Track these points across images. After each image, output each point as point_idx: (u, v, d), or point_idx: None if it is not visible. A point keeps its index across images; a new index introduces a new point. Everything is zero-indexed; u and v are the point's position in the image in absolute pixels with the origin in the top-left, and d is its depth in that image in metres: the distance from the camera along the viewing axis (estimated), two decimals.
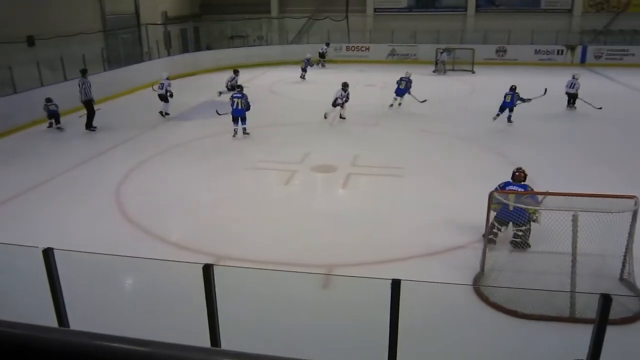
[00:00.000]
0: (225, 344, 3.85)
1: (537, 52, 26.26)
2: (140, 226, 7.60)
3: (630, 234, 5.58)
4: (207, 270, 3.66)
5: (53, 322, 4.05)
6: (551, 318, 5.18)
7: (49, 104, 13.24)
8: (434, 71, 23.78)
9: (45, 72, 14.76)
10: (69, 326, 4.10)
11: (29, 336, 0.99)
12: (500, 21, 26.88)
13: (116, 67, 19.19)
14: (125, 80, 18.49)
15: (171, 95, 14.57)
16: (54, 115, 13.28)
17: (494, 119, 13.73)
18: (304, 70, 22.14)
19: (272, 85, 20.56)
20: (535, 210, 6.21)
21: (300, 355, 1.17)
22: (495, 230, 6.67)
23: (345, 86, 13.74)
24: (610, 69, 23.71)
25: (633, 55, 25.18)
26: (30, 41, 16.01)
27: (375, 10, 29.16)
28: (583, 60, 25.70)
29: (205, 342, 3.77)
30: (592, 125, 13.91)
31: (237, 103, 12.23)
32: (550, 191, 6.12)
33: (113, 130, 13.29)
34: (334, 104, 13.64)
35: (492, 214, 6.33)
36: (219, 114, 13.27)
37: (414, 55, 27.11)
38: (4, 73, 13.35)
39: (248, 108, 12.32)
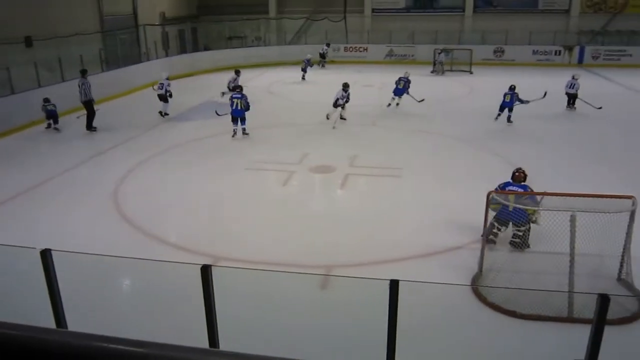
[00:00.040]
0: (224, 345, 3.84)
1: (534, 52, 26.30)
2: (139, 226, 7.59)
3: (628, 234, 5.60)
4: (206, 271, 3.65)
5: (51, 323, 4.05)
6: (549, 318, 5.18)
7: (46, 104, 13.22)
8: (431, 72, 23.80)
9: (43, 72, 14.73)
10: (66, 327, 4.09)
11: (26, 337, 0.99)
12: (497, 22, 26.93)
13: (114, 67, 19.16)
14: (124, 81, 18.47)
15: (170, 96, 14.58)
16: (52, 116, 13.26)
17: (496, 119, 13.81)
18: (304, 70, 22.14)
19: (270, 85, 20.56)
20: (535, 212, 6.22)
21: (299, 356, 1.17)
22: (495, 231, 6.68)
23: (345, 86, 13.73)
24: (608, 70, 23.76)
25: (630, 55, 25.24)
26: (28, 42, 15.99)
27: (373, 10, 29.19)
28: (581, 61, 25.75)
29: (204, 343, 3.77)
30: (592, 125, 13.93)
31: (237, 104, 12.23)
32: (549, 191, 6.13)
33: (112, 131, 13.28)
34: (335, 105, 13.63)
35: (491, 214, 6.34)
36: (218, 115, 13.27)
37: (412, 55, 27.13)
38: (2, 74, 13.32)
39: (247, 108, 12.32)
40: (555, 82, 17.01)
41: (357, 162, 10.55)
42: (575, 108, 15.33)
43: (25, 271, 5.14)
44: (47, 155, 11.34)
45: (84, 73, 13.26)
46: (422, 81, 19.18)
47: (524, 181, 7.01)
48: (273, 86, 20.56)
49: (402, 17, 28.62)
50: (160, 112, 14.64)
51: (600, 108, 14.70)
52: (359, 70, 24.00)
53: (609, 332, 3.40)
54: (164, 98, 14.53)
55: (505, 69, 24.36)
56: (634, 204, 5.51)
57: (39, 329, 1.01)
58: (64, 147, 12.09)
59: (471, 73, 23.54)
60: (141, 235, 7.34)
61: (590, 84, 16.52)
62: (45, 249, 3.95)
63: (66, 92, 14.13)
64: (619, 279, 5.86)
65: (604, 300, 3.33)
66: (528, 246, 6.55)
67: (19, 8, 15.80)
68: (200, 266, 3.67)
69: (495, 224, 6.63)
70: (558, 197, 5.73)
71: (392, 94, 15.81)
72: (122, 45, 21.84)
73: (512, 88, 13.85)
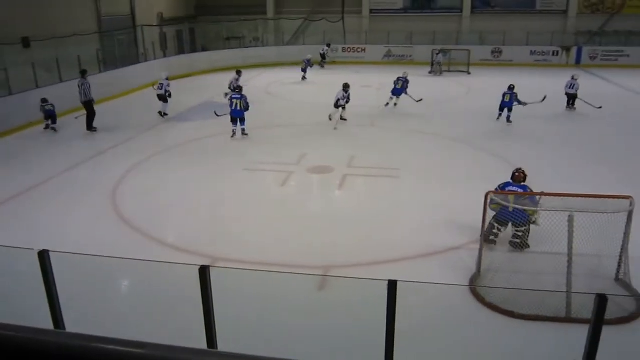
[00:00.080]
0: (222, 346, 3.84)
1: (532, 53, 26.34)
2: (138, 227, 7.58)
3: (626, 234, 5.60)
4: (204, 271, 3.65)
5: (49, 325, 4.04)
6: (547, 318, 5.19)
7: (44, 104, 13.20)
8: (429, 72, 23.82)
9: (41, 73, 14.70)
10: (64, 328, 4.09)
11: (24, 338, 0.99)
12: (495, 22, 26.97)
13: (112, 68, 19.15)
14: (121, 82, 18.45)
15: (170, 96, 14.59)
16: (50, 116, 13.24)
17: (497, 119, 13.89)
18: (304, 71, 22.13)
19: (268, 86, 20.55)
20: (535, 213, 6.22)
21: (297, 357, 1.16)
22: (495, 231, 6.67)
23: (346, 87, 13.71)
24: (605, 70, 23.81)
25: (628, 56, 25.31)
26: (26, 42, 15.96)
27: (371, 11, 29.20)
28: (578, 61, 25.80)
29: (202, 344, 3.76)
30: (592, 125, 13.96)
31: (236, 104, 12.24)
32: (548, 191, 6.14)
33: (111, 131, 13.27)
34: (336, 105, 13.63)
35: (490, 214, 6.34)
36: (218, 115, 13.28)
37: (410, 56, 27.15)
38: None
39: (247, 109, 12.33)
40: (553, 82, 17.05)
41: (355, 162, 10.55)
42: (575, 108, 15.35)
43: (23, 272, 5.13)
44: (46, 156, 11.32)
45: (84, 73, 13.24)
46: (420, 82, 19.20)
47: (524, 181, 7.01)
48: (271, 87, 20.56)
49: (400, 17, 28.64)
50: (160, 112, 14.64)
51: (600, 107, 14.74)
52: (357, 71, 24.01)
53: (606, 332, 3.41)
54: (163, 98, 14.53)
55: (503, 69, 24.39)
56: (631, 204, 5.52)
57: (36, 330, 1.00)
58: (62, 147, 12.07)
59: (469, 74, 23.57)
60: (140, 236, 7.33)
61: (587, 84, 16.56)
62: (43, 250, 3.94)
63: (64, 93, 14.12)
64: (617, 279, 5.86)
65: (602, 301, 3.34)
66: (528, 246, 6.55)
67: (16, 9, 15.76)
68: (199, 267, 3.67)
69: (495, 224, 6.63)
70: (556, 197, 5.74)
71: (391, 93, 15.83)
72: (119, 46, 21.83)
73: (511, 88, 13.89)
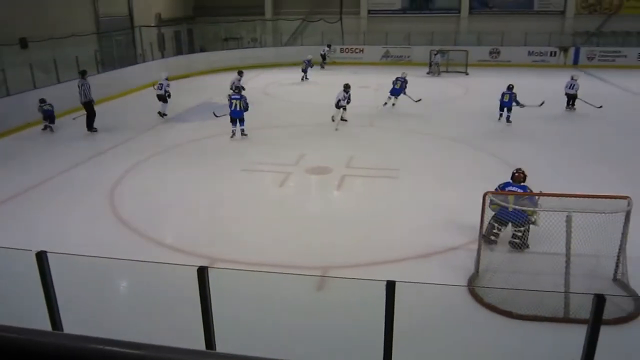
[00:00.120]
0: (221, 347, 3.84)
1: (530, 53, 26.39)
2: (136, 228, 7.57)
3: (624, 234, 5.61)
4: (202, 272, 3.65)
5: (47, 326, 4.03)
6: (545, 319, 5.19)
7: (42, 104, 13.18)
8: (427, 73, 23.83)
9: (39, 74, 14.69)
10: (62, 330, 4.08)
11: (21, 340, 0.99)
12: (493, 23, 27.01)
13: (110, 69, 19.14)
14: (119, 83, 18.43)
15: (169, 96, 14.59)
16: (49, 116, 13.22)
17: (499, 119, 13.90)
18: (305, 71, 22.10)
19: (266, 87, 20.55)
20: (534, 213, 6.23)
21: (296, 358, 1.16)
22: (495, 231, 6.67)
23: (346, 87, 13.69)
24: (603, 71, 23.86)
25: (625, 56, 25.36)
26: (23, 43, 15.94)
27: (369, 12, 29.20)
28: (576, 62, 25.85)
29: (201, 345, 3.76)
30: (591, 126, 13.97)
31: (235, 104, 12.25)
32: (547, 192, 6.15)
33: (110, 132, 13.25)
34: (337, 106, 13.63)
35: (489, 214, 6.33)
36: (216, 116, 13.29)
37: (408, 57, 27.17)
38: None
39: (246, 109, 12.34)
40: (550, 83, 17.07)
41: (353, 163, 10.55)
42: (575, 109, 15.36)
43: (21, 273, 5.12)
44: (44, 156, 11.29)
45: (83, 74, 13.22)
46: (418, 82, 19.23)
47: (524, 182, 7.01)
48: (269, 87, 20.56)
49: (398, 18, 28.65)
50: (160, 113, 14.63)
51: (600, 107, 14.77)
52: (355, 72, 24.00)
53: (605, 332, 3.42)
54: (163, 98, 14.53)
55: (501, 70, 24.41)
56: (629, 204, 5.53)
57: (34, 331, 1.00)
58: (60, 147, 12.05)
59: (467, 74, 23.59)
60: (138, 237, 7.32)
61: (585, 84, 16.58)
62: (41, 251, 3.93)
63: (62, 94, 14.11)
64: (615, 279, 5.87)
65: (600, 301, 3.35)
66: (527, 246, 6.55)
67: (13, 9, 15.74)
68: (197, 268, 3.67)
69: (495, 224, 6.63)
70: (554, 197, 5.75)
71: (389, 93, 15.85)
72: (117, 47, 21.80)
73: (510, 88, 13.92)
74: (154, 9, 25.20)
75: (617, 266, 5.83)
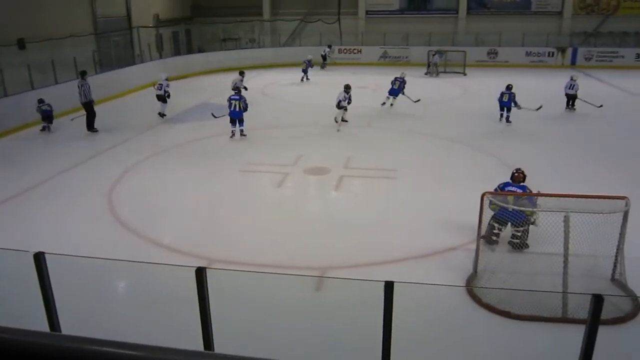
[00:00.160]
0: (219, 347, 3.83)
1: (528, 54, 26.43)
2: (135, 228, 7.56)
3: (621, 235, 5.62)
4: (200, 273, 3.65)
5: (44, 327, 4.02)
6: (544, 319, 5.20)
7: (41, 105, 13.15)
8: (425, 73, 23.85)
9: (36, 75, 14.67)
10: (60, 330, 4.07)
11: (19, 341, 0.98)
12: (491, 23, 27.05)
13: (108, 69, 19.12)
14: (117, 83, 18.41)
15: (168, 96, 14.59)
16: (47, 116, 13.19)
17: (500, 119, 13.91)
18: (305, 72, 22.08)
19: (264, 87, 20.54)
20: (533, 213, 6.23)
21: (295, 358, 1.16)
22: (496, 231, 6.67)
23: (347, 88, 13.69)
24: (601, 71, 23.91)
25: (623, 57, 25.42)
26: (21, 44, 15.92)
27: (367, 12, 29.22)
28: (573, 62, 25.90)
29: (199, 346, 3.76)
30: (591, 126, 13.99)
31: (235, 105, 12.25)
32: (546, 192, 6.15)
33: (108, 132, 13.24)
34: (338, 106, 13.63)
35: (488, 214, 6.33)
36: (215, 117, 13.27)
37: (406, 57, 27.19)
38: None
39: (246, 109, 12.35)
40: (548, 83, 17.08)
41: (351, 163, 10.55)
42: (574, 109, 15.38)
43: (19, 274, 5.11)
44: (42, 157, 11.27)
45: (83, 74, 13.21)
46: (416, 83, 19.23)
47: (524, 182, 7.02)
48: (268, 88, 20.55)
49: (396, 18, 28.67)
50: (160, 113, 14.63)
51: (601, 106, 14.79)
52: (354, 72, 24.01)
53: (602, 332, 3.42)
54: (162, 99, 14.53)
55: (499, 70, 24.46)
56: (627, 204, 5.54)
57: (32, 332, 1.00)
58: (59, 148, 12.03)
59: (465, 75, 23.62)
60: (137, 237, 7.31)
61: (583, 85, 16.60)
62: (39, 252, 3.93)
63: (60, 94, 14.09)
64: (613, 279, 5.88)
65: (597, 301, 3.35)
66: (527, 246, 6.56)
67: (11, 10, 15.72)
68: (195, 269, 3.67)
69: (495, 224, 6.63)
70: (552, 197, 5.76)
71: (388, 93, 15.86)
72: (115, 47, 21.78)
73: (509, 88, 13.93)
74: (152, 9, 25.18)
75: (615, 266, 5.84)
